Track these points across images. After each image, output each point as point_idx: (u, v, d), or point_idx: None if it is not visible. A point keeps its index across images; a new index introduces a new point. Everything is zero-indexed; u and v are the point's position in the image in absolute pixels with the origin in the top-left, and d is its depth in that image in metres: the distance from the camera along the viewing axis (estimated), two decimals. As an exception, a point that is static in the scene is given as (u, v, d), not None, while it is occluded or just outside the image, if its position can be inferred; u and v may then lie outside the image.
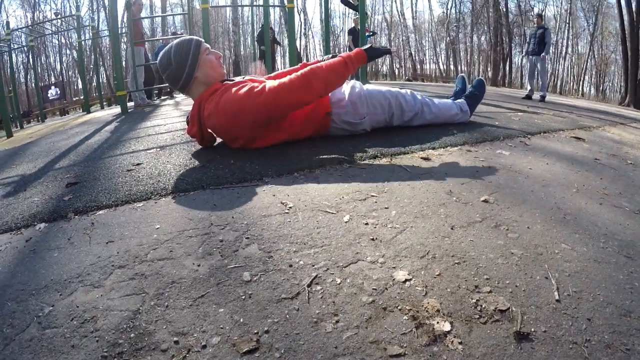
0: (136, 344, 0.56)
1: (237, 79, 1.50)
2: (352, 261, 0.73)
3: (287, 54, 5.73)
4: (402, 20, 24.33)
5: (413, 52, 24.43)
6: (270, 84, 1.37)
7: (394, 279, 0.68)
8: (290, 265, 0.72)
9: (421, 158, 1.36)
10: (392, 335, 0.56)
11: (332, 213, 0.92)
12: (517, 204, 1.00)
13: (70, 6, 19.23)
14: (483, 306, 0.62)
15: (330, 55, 1.50)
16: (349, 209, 0.94)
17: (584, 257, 0.77)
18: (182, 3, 21.55)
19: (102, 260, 0.78)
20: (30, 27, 8.22)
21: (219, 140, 1.68)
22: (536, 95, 5.16)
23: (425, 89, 4.85)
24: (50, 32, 8.50)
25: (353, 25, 7.92)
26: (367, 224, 0.87)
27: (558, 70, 21.35)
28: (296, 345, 0.55)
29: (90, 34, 7.59)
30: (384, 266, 0.72)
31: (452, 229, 0.86)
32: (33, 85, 12.37)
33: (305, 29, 25.14)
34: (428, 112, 1.77)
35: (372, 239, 0.81)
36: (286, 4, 4.54)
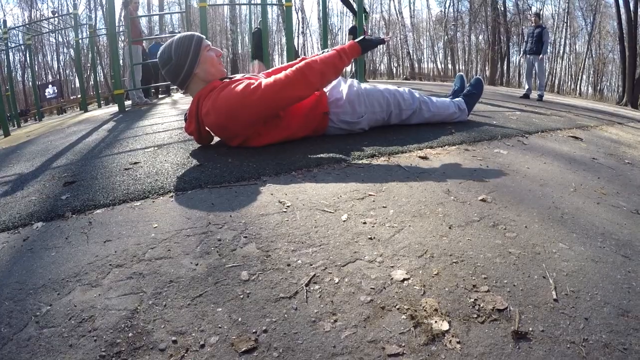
0: (134, 343, 0.56)
1: (238, 76, 1.49)
2: (350, 260, 0.73)
3: (285, 52, 5.72)
4: (400, 19, 24.34)
5: (411, 51, 24.43)
6: (266, 80, 1.37)
7: (392, 278, 0.68)
8: (289, 265, 0.72)
9: (419, 157, 1.36)
10: (390, 334, 0.56)
11: (330, 212, 0.92)
12: (514, 203, 1.00)
13: (67, 4, 19.13)
14: (481, 305, 0.62)
15: (327, 50, 1.50)
16: (347, 208, 0.94)
17: (581, 256, 0.77)
18: (179, 1, 21.47)
19: (100, 260, 0.78)
20: (27, 26, 8.17)
21: (216, 138, 1.67)
22: (534, 95, 5.17)
23: (423, 87, 4.85)
24: (48, 30, 8.45)
25: (353, 24, 7.90)
26: (365, 223, 0.87)
27: (556, 70, 21.40)
28: (294, 345, 0.55)
29: (88, 33, 7.56)
30: (382, 265, 0.72)
31: (450, 228, 0.86)
32: (30, 84, 12.31)
33: (303, 27, 25.10)
34: (426, 111, 1.77)
35: (370, 238, 0.81)
36: (284, 2, 4.53)
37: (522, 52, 5.50)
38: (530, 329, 0.58)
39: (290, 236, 0.82)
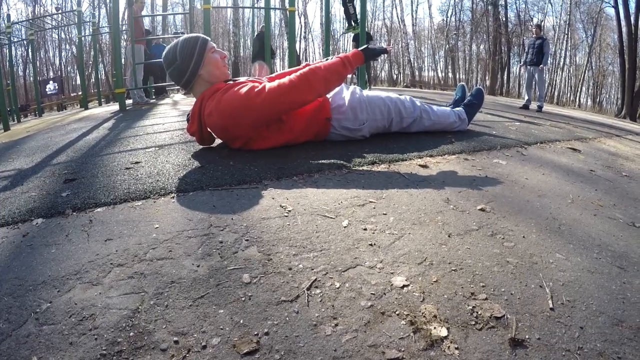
0: (135, 342, 0.56)
1: (242, 79, 1.51)
2: (351, 266, 0.74)
3: (287, 57, 5.75)
4: (402, 27, 24.52)
5: (412, 59, 24.60)
6: (270, 84, 1.38)
7: (392, 284, 0.69)
8: (290, 269, 0.73)
9: (419, 165, 1.37)
10: (390, 339, 0.57)
11: (331, 218, 0.93)
12: (513, 213, 1.02)
13: (71, 1, 19.15)
14: (479, 313, 0.63)
15: (330, 58, 1.52)
16: (347, 214, 0.95)
17: (577, 267, 0.79)
18: (183, 2, 21.56)
19: (101, 258, 0.78)
20: (30, 21, 8.18)
21: (218, 140, 1.68)
22: (533, 105, 5.21)
23: (423, 95, 4.88)
24: (51, 26, 8.47)
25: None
26: (365, 229, 0.88)
27: (555, 81, 21.59)
28: (296, 348, 0.55)
29: (91, 30, 7.58)
30: (382, 271, 0.73)
31: (449, 236, 0.87)
32: (31, 79, 12.30)
33: (305, 32, 25.25)
34: (427, 119, 1.79)
35: (371, 245, 0.82)
36: (287, 7, 4.57)
37: (522, 63, 5.55)
38: (527, 336, 0.59)
39: (292, 240, 0.83)
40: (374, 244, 0.82)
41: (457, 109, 1.95)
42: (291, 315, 0.61)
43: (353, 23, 5.50)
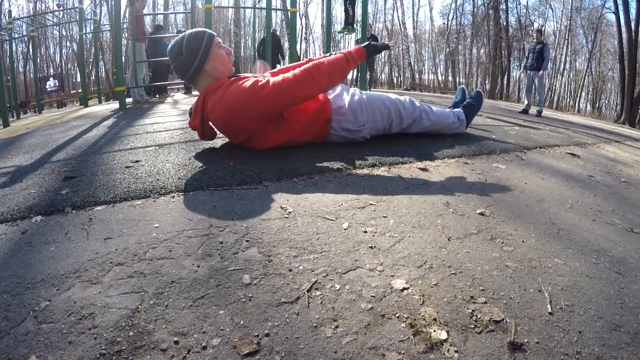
0: (135, 342, 0.56)
1: (249, 75, 1.51)
2: (351, 268, 0.74)
3: (287, 57, 5.76)
4: (402, 30, 24.57)
5: (412, 62, 24.66)
6: (274, 79, 1.39)
7: (392, 287, 0.69)
8: (290, 270, 0.73)
9: (419, 169, 1.37)
10: (390, 341, 0.57)
11: (331, 220, 0.93)
12: (512, 217, 1.02)
13: (73, -2, 19.12)
14: (478, 316, 0.63)
15: (333, 53, 1.53)
16: (347, 216, 0.95)
17: (576, 272, 0.79)
18: (184, 2, 21.57)
19: (100, 257, 0.78)
20: (32, 17, 8.16)
21: (219, 138, 1.68)
22: (533, 110, 5.23)
23: (423, 98, 4.89)
24: (52, 23, 8.46)
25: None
26: (365, 232, 0.88)
27: (555, 86, 21.67)
28: (296, 349, 0.55)
29: (92, 28, 7.57)
30: (382, 274, 0.73)
31: (448, 240, 0.87)
32: (32, 76, 12.27)
33: (306, 33, 25.27)
34: (426, 119, 1.79)
35: (371, 247, 0.82)
36: (289, 8, 4.58)
37: (522, 68, 5.57)
38: (526, 340, 0.59)
39: (292, 242, 0.83)
40: (374, 247, 0.82)
41: (456, 110, 1.96)
42: (291, 316, 0.62)
43: (349, 25, 5.52)
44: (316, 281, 0.70)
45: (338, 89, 1.70)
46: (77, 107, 6.51)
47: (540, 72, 5.17)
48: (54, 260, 0.78)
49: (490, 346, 0.58)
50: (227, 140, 1.72)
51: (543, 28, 19.33)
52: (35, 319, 0.62)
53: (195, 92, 6.45)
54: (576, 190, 1.33)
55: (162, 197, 1.07)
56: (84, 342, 0.57)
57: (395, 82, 25.16)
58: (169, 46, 1.48)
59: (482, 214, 1.02)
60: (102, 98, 7.87)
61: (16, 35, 8.28)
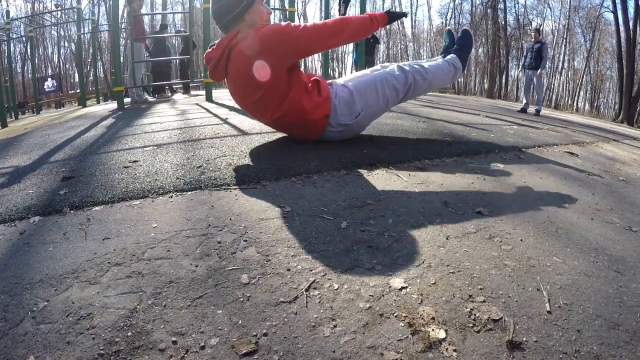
0: (133, 342, 0.56)
1: None
2: (350, 267, 0.74)
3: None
4: (401, 29, 24.57)
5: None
6: (307, 24, 1.48)
7: (390, 286, 0.69)
8: (288, 269, 0.73)
9: (417, 168, 1.37)
10: (388, 341, 0.57)
11: (330, 219, 0.93)
12: (510, 216, 1.02)
13: (70, -2, 19.05)
14: (477, 315, 0.63)
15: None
16: (346, 215, 0.95)
17: (574, 270, 0.79)
18: (182, 1, 21.52)
19: (99, 257, 0.78)
20: (30, 18, 8.14)
21: (219, 134, 1.68)
22: (531, 109, 5.24)
23: (420, 97, 4.89)
24: (50, 23, 8.43)
25: None
26: (363, 231, 0.88)
27: (553, 85, 21.69)
28: (295, 349, 0.55)
29: (90, 28, 7.55)
30: (380, 273, 0.73)
31: (447, 239, 0.87)
32: (30, 76, 12.24)
33: (305, 32, 25.20)
34: (422, 80, 1.74)
35: (369, 246, 0.82)
36: (287, 8, 4.57)
37: (521, 67, 5.57)
38: (524, 339, 0.59)
39: (290, 241, 0.83)
40: (372, 246, 0.82)
41: (449, 57, 1.88)
42: (290, 316, 0.61)
43: None
44: (314, 280, 0.70)
45: (332, 86, 1.69)
46: (75, 108, 6.50)
47: (539, 71, 5.17)
48: (52, 260, 0.78)
49: (489, 345, 0.58)
50: (225, 139, 1.72)
51: (541, 27, 19.32)
52: (33, 319, 0.62)
53: (195, 92, 6.44)
54: (574, 189, 1.34)
55: (161, 197, 1.07)
56: (83, 342, 0.57)
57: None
58: None
59: (480, 212, 1.02)
60: (100, 98, 7.85)
61: (14, 36, 8.26)
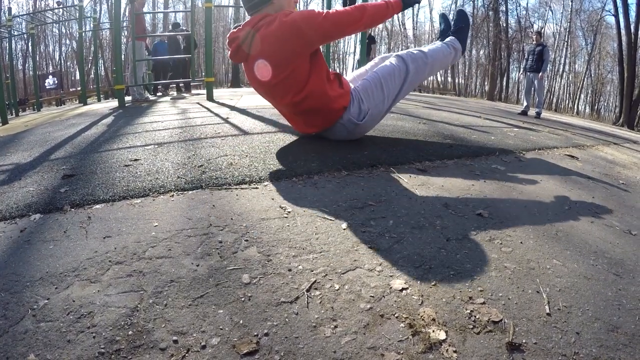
0: (134, 341, 0.56)
1: None
2: (351, 268, 0.74)
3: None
4: (402, 30, 24.59)
5: (412, 62, 24.62)
6: (330, 10, 1.52)
7: (391, 287, 0.69)
8: (290, 270, 0.73)
9: (418, 169, 1.38)
10: (389, 341, 0.57)
11: (331, 220, 0.93)
12: (510, 219, 1.02)
13: (72, -4, 19.04)
14: (477, 317, 0.63)
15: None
16: (347, 216, 0.96)
17: (574, 273, 0.79)
18: (184, 0, 21.53)
19: (99, 256, 0.78)
20: (31, 15, 8.13)
21: (219, 134, 1.68)
22: (532, 112, 5.24)
23: (422, 99, 4.89)
24: (52, 20, 8.42)
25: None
26: (364, 232, 0.88)
27: (554, 88, 21.70)
28: (296, 349, 0.56)
29: (91, 26, 7.55)
30: (381, 274, 0.73)
31: (447, 240, 0.87)
32: (31, 73, 12.23)
33: (307, 32, 25.19)
34: (423, 65, 1.75)
35: (370, 247, 0.82)
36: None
37: (522, 70, 5.58)
38: (524, 341, 0.59)
39: (291, 241, 0.83)
40: (374, 247, 0.82)
41: (448, 39, 1.88)
42: (291, 316, 0.62)
43: None
44: (315, 281, 0.70)
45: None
46: (76, 105, 6.50)
47: (540, 74, 5.18)
48: (53, 258, 0.78)
49: (488, 346, 0.58)
50: (226, 138, 1.72)
51: (543, 30, 19.37)
52: (33, 317, 0.62)
53: (195, 92, 6.44)
54: (574, 192, 1.34)
55: (162, 196, 1.07)
56: (83, 340, 0.57)
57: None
58: None
59: (480, 215, 1.02)
60: (101, 96, 7.85)
61: (16, 33, 8.25)
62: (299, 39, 1.45)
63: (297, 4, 1.62)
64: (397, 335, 0.59)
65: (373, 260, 0.77)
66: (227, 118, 2.37)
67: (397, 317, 0.62)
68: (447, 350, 0.56)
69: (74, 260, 0.77)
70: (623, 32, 12.87)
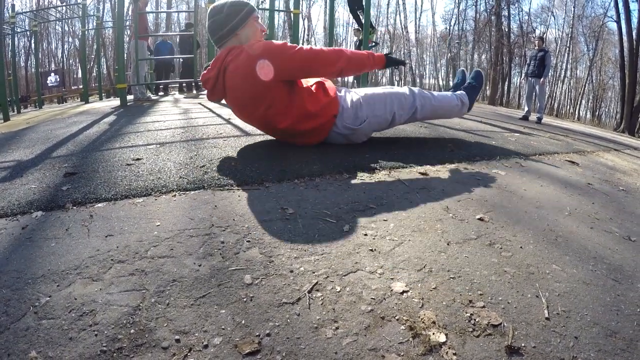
0: (136, 340, 0.57)
1: None
2: (352, 270, 0.75)
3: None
4: (404, 34, 24.64)
5: (414, 66, 24.70)
6: (303, 45, 1.46)
7: (391, 290, 0.70)
8: (291, 271, 0.73)
9: (419, 173, 1.38)
10: (390, 343, 0.58)
11: (332, 222, 0.94)
12: (511, 223, 1.03)
13: (75, -6, 19.08)
14: (477, 320, 0.64)
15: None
16: (348, 218, 0.96)
17: (573, 278, 0.80)
18: (187, 0, 21.58)
19: (101, 254, 0.78)
20: (35, 12, 8.15)
21: (221, 134, 1.68)
22: (533, 117, 5.25)
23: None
24: (55, 18, 8.44)
25: (355, 38, 8.02)
26: (366, 234, 0.89)
27: (555, 93, 21.73)
28: (297, 350, 0.56)
29: (94, 24, 7.57)
30: (382, 277, 0.73)
31: (448, 244, 0.88)
32: (33, 70, 12.25)
33: (308, 35, 25.30)
34: (428, 105, 1.77)
35: (371, 250, 0.82)
36: (292, 10, 4.59)
37: (523, 75, 5.59)
38: (523, 344, 0.60)
39: (293, 243, 0.83)
40: (375, 250, 0.83)
41: (459, 92, 1.92)
42: (292, 317, 0.62)
43: (370, 28, 5.51)
44: (317, 282, 0.70)
45: (342, 90, 1.71)
46: (77, 103, 6.51)
47: (541, 79, 5.19)
48: (55, 256, 0.78)
49: (488, 350, 0.58)
50: (228, 139, 1.73)
51: (545, 35, 19.42)
52: (35, 314, 0.62)
53: (203, 92, 6.45)
54: (575, 198, 1.34)
55: (164, 196, 1.08)
56: (85, 338, 0.57)
57: (396, 85, 25.17)
58: (211, 6, 1.52)
59: (481, 219, 1.03)
60: (103, 95, 7.86)
61: (19, 30, 8.27)
62: (267, 72, 1.40)
63: (265, 33, 1.57)
64: (397, 338, 0.59)
65: (374, 263, 0.78)
66: (229, 119, 2.38)
67: (397, 320, 0.63)
68: (447, 353, 0.57)
69: (75, 258, 0.77)
70: (625, 38, 12.90)
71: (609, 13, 17.60)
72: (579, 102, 21.14)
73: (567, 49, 20.95)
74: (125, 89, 3.94)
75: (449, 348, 0.58)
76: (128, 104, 3.86)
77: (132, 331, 0.58)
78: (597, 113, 20.65)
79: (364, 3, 5.08)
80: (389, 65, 1.59)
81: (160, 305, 0.63)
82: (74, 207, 1.02)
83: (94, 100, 6.48)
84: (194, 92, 6.26)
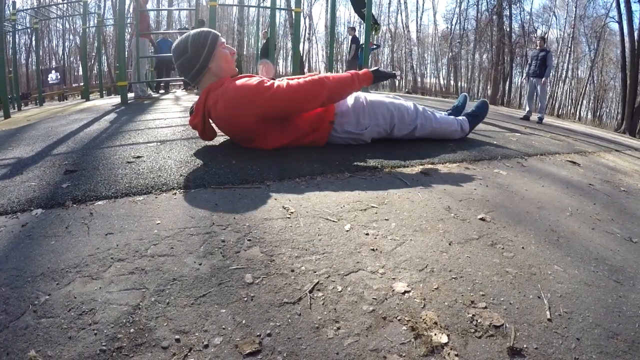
0: (136, 339, 0.56)
1: (253, 75, 1.52)
2: (353, 270, 0.75)
3: (291, 58, 5.77)
4: (406, 33, 24.59)
5: (415, 65, 24.67)
6: (280, 82, 1.39)
7: (393, 290, 0.69)
8: (292, 270, 0.73)
9: (421, 172, 1.38)
10: (391, 344, 0.58)
11: (334, 221, 0.93)
12: (512, 224, 1.02)
13: (76, -8, 19.05)
14: (479, 321, 0.63)
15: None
16: (349, 218, 0.96)
17: (575, 279, 0.79)
18: (189, -2, 21.55)
19: (101, 252, 0.78)
20: (36, 9, 8.14)
21: (220, 135, 1.68)
22: (534, 117, 5.24)
23: (424, 102, 4.90)
24: (56, 16, 8.42)
25: (350, 37, 8.02)
26: (367, 234, 0.88)
27: (557, 93, 21.71)
28: (298, 350, 0.56)
29: (95, 22, 7.56)
30: (384, 277, 0.73)
31: (449, 244, 0.87)
32: (34, 67, 12.22)
33: (309, 33, 25.27)
34: (429, 125, 1.80)
35: (373, 249, 0.82)
36: (293, 8, 4.58)
37: (525, 75, 5.58)
38: (525, 345, 0.59)
39: (294, 242, 0.83)
40: (376, 249, 0.82)
41: (461, 118, 1.96)
42: (293, 317, 0.62)
43: (375, 24, 5.49)
44: (318, 282, 0.70)
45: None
46: (78, 101, 6.50)
47: (543, 79, 5.18)
48: (54, 254, 0.78)
49: (490, 351, 0.58)
50: (228, 137, 1.72)
51: (546, 35, 19.38)
52: (34, 313, 0.62)
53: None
54: (576, 198, 1.34)
55: (164, 194, 1.07)
56: (84, 337, 0.57)
57: (397, 84, 25.18)
58: (173, 45, 1.49)
59: (483, 219, 1.02)
60: (104, 92, 7.86)
61: (19, 27, 8.25)
62: (244, 116, 1.38)
63: (235, 55, 1.52)
64: (399, 338, 0.59)
65: (375, 263, 0.77)
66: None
67: (399, 320, 0.62)
68: (448, 354, 0.56)
69: (75, 257, 0.77)
70: (626, 38, 12.88)
71: (610, 13, 17.59)
72: (580, 103, 21.13)
73: (569, 49, 20.92)
74: (126, 87, 3.94)
75: (451, 349, 0.57)
76: (129, 101, 3.85)
77: (131, 330, 0.58)
78: (598, 114, 20.63)
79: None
80: (377, 80, 1.56)
81: (160, 305, 0.63)
82: (74, 205, 1.02)
83: (95, 98, 6.47)
84: (195, 90, 6.25)
